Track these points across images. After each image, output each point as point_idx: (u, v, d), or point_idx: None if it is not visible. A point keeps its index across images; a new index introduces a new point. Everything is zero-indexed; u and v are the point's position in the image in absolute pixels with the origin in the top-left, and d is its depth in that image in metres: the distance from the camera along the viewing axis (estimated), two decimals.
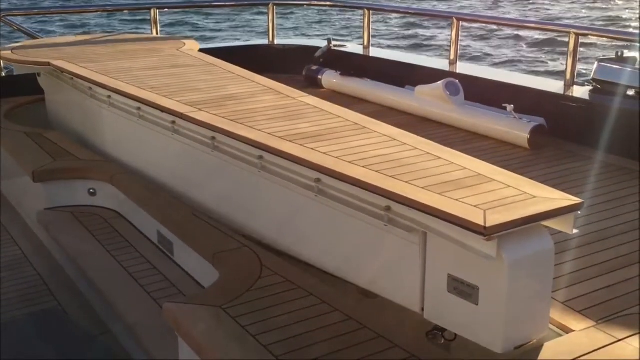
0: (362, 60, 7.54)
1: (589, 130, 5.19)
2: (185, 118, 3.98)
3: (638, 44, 5.79)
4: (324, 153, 3.24)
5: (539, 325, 2.65)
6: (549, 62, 19.14)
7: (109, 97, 4.85)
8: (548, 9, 30.06)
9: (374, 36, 8.05)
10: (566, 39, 5.90)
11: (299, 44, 8.73)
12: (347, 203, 3.03)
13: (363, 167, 3.03)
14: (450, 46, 6.97)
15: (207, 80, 4.87)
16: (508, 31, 22.52)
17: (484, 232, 2.38)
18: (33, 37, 7.78)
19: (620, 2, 30.93)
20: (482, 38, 22.41)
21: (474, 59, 19.23)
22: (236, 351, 2.63)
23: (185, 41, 6.66)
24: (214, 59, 5.66)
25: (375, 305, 3.05)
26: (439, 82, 5.94)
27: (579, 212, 2.63)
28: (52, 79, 5.94)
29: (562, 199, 2.65)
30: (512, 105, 5.35)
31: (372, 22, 7.85)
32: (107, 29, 23.37)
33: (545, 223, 2.59)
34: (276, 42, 8.29)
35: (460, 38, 7.00)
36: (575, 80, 5.82)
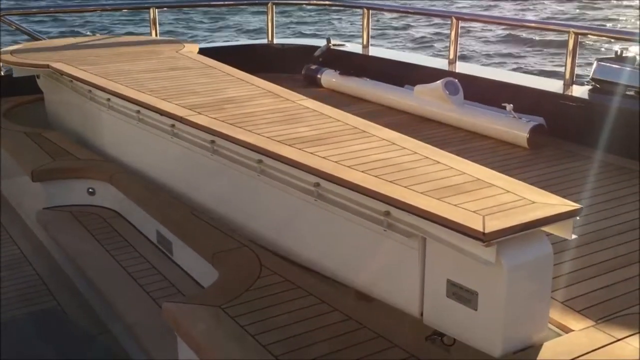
0: (362, 60, 7.54)
1: (588, 130, 5.19)
2: (185, 122, 3.98)
3: (638, 43, 5.78)
4: (323, 157, 3.24)
5: (538, 330, 2.65)
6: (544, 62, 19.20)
7: (108, 99, 4.85)
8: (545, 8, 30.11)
9: (372, 36, 8.05)
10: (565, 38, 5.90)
11: (298, 43, 8.73)
12: (346, 207, 3.04)
13: (362, 171, 3.03)
14: (449, 46, 6.97)
15: (206, 83, 4.87)
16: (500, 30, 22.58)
17: (483, 238, 2.39)
18: (33, 37, 7.78)
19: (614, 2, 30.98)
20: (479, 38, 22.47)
21: (472, 58, 19.27)
22: (235, 351, 2.63)
23: (184, 43, 6.66)
24: (213, 61, 5.66)
25: (375, 305, 3.05)
26: (438, 82, 5.93)
27: (578, 218, 2.63)
28: (52, 81, 5.94)
29: (561, 204, 2.66)
30: (512, 105, 5.35)
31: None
32: (103, 31, 23.34)
33: (544, 228, 2.60)
34: (275, 41, 8.29)
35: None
36: (574, 79, 5.82)
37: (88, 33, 21.16)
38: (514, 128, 5.31)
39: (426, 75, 6.37)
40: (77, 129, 5.68)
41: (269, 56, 8.03)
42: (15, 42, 8.14)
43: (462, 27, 7.04)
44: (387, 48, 14.97)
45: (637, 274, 3.29)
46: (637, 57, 5.51)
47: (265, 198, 3.61)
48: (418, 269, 2.78)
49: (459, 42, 6.94)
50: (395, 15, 24.18)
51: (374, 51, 7.79)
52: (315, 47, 7.80)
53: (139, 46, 6.49)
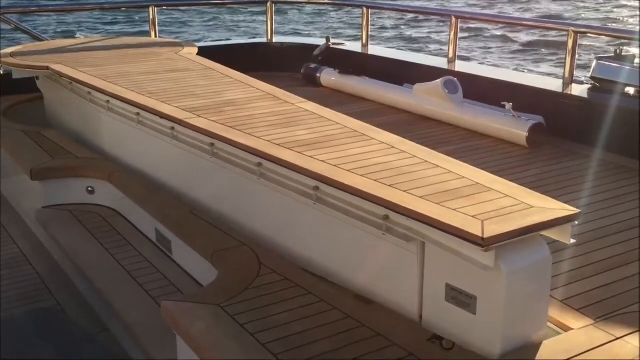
0: (361, 59, 7.54)
1: (587, 129, 5.19)
2: (184, 124, 3.98)
3: (638, 42, 5.78)
4: (322, 161, 3.24)
5: (537, 335, 2.65)
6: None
7: (108, 102, 4.85)
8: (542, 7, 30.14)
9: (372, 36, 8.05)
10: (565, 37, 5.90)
11: (297, 42, 8.73)
12: (346, 211, 3.04)
13: (361, 175, 3.04)
14: (448, 44, 6.96)
15: (206, 85, 4.87)
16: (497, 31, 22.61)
17: (482, 243, 2.39)
18: (32, 36, 7.77)
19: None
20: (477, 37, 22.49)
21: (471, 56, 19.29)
22: (234, 349, 2.63)
23: (183, 44, 6.65)
24: (213, 62, 5.66)
25: (374, 304, 3.05)
26: (437, 80, 5.93)
27: (576, 222, 2.63)
28: (51, 83, 5.93)
29: (559, 209, 2.66)
30: (511, 104, 5.35)
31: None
32: (100, 31, 23.33)
33: (543, 233, 2.61)
34: (275, 40, 8.28)
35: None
36: (574, 78, 5.81)
37: (78, 36, 21.06)
38: (514, 127, 5.31)
39: (425, 74, 6.37)
40: (76, 130, 5.67)
41: (269, 55, 8.03)
42: (15, 40, 8.12)
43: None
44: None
45: (636, 272, 3.30)
46: (637, 56, 5.51)
47: (265, 201, 3.62)
48: (417, 273, 2.79)
49: (458, 41, 6.94)
50: (391, 14, 24.20)
51: (373, 50, 7.79)
52: (315, 46, 7.80)
53: (138, 47, 6.49)
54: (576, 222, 2.63)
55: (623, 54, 5.53)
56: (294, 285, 3.10)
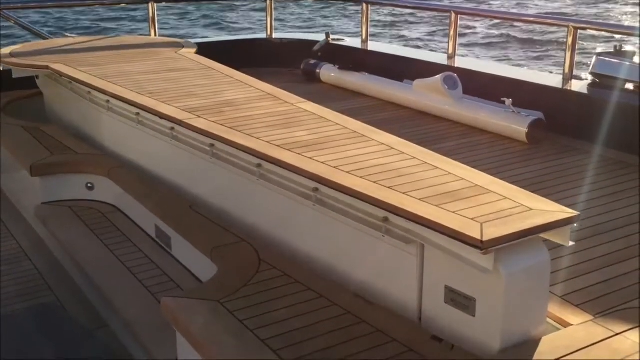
0: (361, 54, 7.53)
1: (587, 125, 5.19)
2: (184, 125, 3.98)
3: (638, 38, 5.78)
4: (322, 162, 3.24)
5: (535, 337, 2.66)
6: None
7: (108, 101, 4.84)
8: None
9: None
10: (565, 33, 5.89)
11: (297, 37, 8.72)
12: (345, 213, 3.04)
13: (361, 177, 3.04)
14: (448, 40, 6.96)
15: (205, 85, 4.87)
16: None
17: (481, 246, 2.40)
18: (32, 32, 7.76)
19: None
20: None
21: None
22: (234, 345, 2.63)
23: (183, 43, 6.64)
24: (212, 62, 5.65)
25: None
26: (437, 76, 5.93)
27: (575, 225, 2.63)
28: (51, 82, 5.93)
29: (558, 211, 2.66)
30: (511, 100, 5.34)
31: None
32: (97, 29, 23.29)
33: (542, 235, 2.61)
34: (274, 36, 8.28)
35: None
36: (574, 74, 5.81)
37: (72, 35, 20.98)
38: (513, 123, 5.30)
39: (425, 69, 6.37)
40: (76, 129, 5.66)
41: (268, 51, 8.02)
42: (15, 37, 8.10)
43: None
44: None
45: (636, 268, 3.30)
46: (636, 52, 5.51)
47: (265, 201, 3.62)
48: (416, 275, 2.79)
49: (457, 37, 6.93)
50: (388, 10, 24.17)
51: (373, 46, 7.78)
52: (315, 42, 7.79)
53: (138, 46, 6.48)
54: (575, 225, 2.63)
55: (623, 49, 5.53)
56: (294, 281, 3.10)
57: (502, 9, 25.78)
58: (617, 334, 2.60)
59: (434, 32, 23.02)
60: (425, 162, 3.23)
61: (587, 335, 2.61)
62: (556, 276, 3.13)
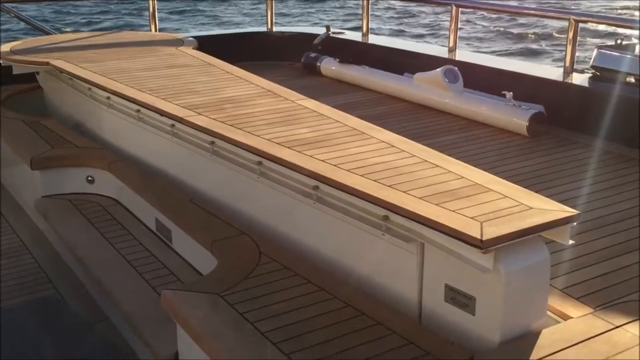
0: (361, 48, 7.51)
1: (588, 118, 5.18)
2: (185, 122, 3.98)
3: (638, 31, 5.76)
4: (322, 160, 3.24)
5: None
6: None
7: (108, 98, 4.84)
8: None
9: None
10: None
11: (297, 31, 8.70)
12: (346, 211, 3.05)
13: (361, 175, 3.04)
14: (449, 33, 6.94)
15: (206, 81, 4.87)
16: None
17: (481, 245, 2.40)
18: (32, 25, 7.74)
19: None
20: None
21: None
22: (234, 338, 2.63)
23: (183, 38, 6.63)
24: (212, 58, 5.64)
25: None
26: (437, 70, 5.92)
27: (575, 224, 2.63)
28: (51, 78, 5.92)
29: (558, 210, 2.66)
30: (511, 93, 5.33)
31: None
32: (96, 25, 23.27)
33: (541, 234, 2.61)
34: (274, 29, 8.26)
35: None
36: (574, 67, 5.80)
37: (67, 30, 20.98)
38: (514, 116, 5.30)
39: (426, 63, 6.36)
40: (77, 125, 5.65)
41: (269, 44, 8.00)
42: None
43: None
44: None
45: (636, 261, 3.30)
46: (637, 45, 5.50)
47: (265, 199, 3.62)
48: (416, 274, 2.80)
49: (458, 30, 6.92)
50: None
51: (373, 39, 7.76)
52: (315, 35, 7.77)
53: (139, 42, 6.47)
54: (575, 224, 2.63)
55: (624, 42, 5.52)
56: (294, 274, 3.10)
57: (503, 2, 25.69)
58: (616, 327, 2.60)
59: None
60: (426, 160, 3.23)
61: (587, 328, 2.61)
62: (557, 269, 3.13)
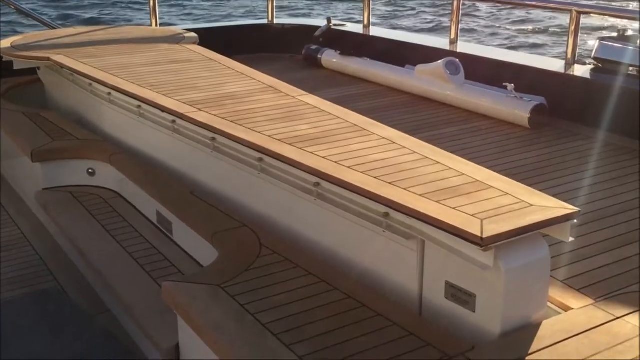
0: (362, 40, 7.50)
1: (589, 110, 5.17)
2: (185, 119, 3.98)
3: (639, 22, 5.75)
4: (323, 157, 3.24)
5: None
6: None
7: (109, 94, 4.83)
8: None
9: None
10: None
11: (298, 23, 8.69)
12: (346, 208, 3.05)
13: (362, 172, 3.04)
14: (450, 25, 6.92)
15: (206, 77, 4.86)
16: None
17: (481, 242, 2.40)
18: (32, 17, 7.73)
19: None
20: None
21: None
22: (235, 329, 2.63)
23: (184, 33, 6.61)
24: (213, 53, 5.63)
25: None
26: (439, 62, 5.91)
27: (575, 221, 2.63)
28: (52, 73, 5.91)
29: (558, 207, 2.66)
30: (513, 85, 5.32)
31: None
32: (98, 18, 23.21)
33: (542, 231, 2.61)
34: (275, 21, 8.24)
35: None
36: (576, 59, 5.78)
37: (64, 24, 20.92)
38: (515, 108, 5.29)
39: (427, 55, 6.34)
40: (78, 120, 5.65)
41: (269, 36, 7.99)
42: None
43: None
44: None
45: (636, 253, 3.30)
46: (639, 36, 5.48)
47: (266, 195, 3.63)
48: (417, 271, 2.80)
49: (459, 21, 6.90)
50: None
51: (374, 31, 7.75)
52: (316, 27, 7.76)
53: (139, 37, 6.45)
54: (575, 221, 2.63)
55: (626, 34, 5.51)
56: (295, 266, 3.10)
57: None
58: (617, 318, 2.60)
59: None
60: (426, 157, 3.23)
61: (587, 319, 2.61)
62: (558, 260, 3.13)
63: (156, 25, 7.60)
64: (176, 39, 6.31)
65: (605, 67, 5.45)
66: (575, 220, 2.63)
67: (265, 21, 8.28)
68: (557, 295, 2.90)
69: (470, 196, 2.77)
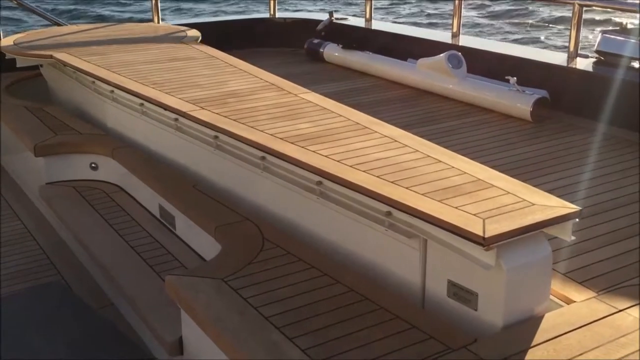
0: (364, 33, 7.49)
1: (592, 103, 5.17)
2: (188, 117, 3.98)
3: None
4: (325, 156, 3.25)
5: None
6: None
7: (112, 92, 4.84)
8: None
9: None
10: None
11: (300, 17, 8.68)
12: (349, 207, 3.05)
13: (364, 171, 3.04)
14: (452, 18, 6.91)
15: (209, 75, 4.86)
16: None
17: (483, 242, 2.41)
18: (35, 12, 7.73)
19: None
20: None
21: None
22: (238, 323, 2.64)
23: (186, 30, 6.61)
24: (215, 50, 5.63)
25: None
26: (441, 55, 5.90)
27: (577, 220, 2.64)
28: (55, 71, 5.91)
29: (560, 206, 2.67)
30: (515, 78, 5.32)
31: None
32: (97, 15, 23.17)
33: (544, 230, 2.62)
34: (277, 15, 8.24)
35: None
36: (578, 52, 5.78)
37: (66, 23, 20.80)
38: (518, 101, 5.28)
39: (429, 48, 6.34)
40: (81, 117, 5.65)
41: (271, 30, 7.98)
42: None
43: None
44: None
45: (638, 246, 3.30)
46: None
47: (268, 194, 3.63)
48: (419, 269, 2.81)
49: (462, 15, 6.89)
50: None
51: (376, 25, 7.74)
52: (318, 21, 7.75)
53: (142, 35, 6.45)
54: (577, 220, 2.64)
55: (628, 27, 5.50)
56: (297, 260, 3.11)
57: None
58: (619, 311, 2.61)
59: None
60: (428, 155, 3.23)
61: (589, 312, 2.62)
62: (559, 254, 3.14)
63: (159, 22, 7.60)
64: (179, 36, 6.30)
65: (607, 60, 5.44)
66: (577, 219, 2.64)
67: (267, 15, 8.27)
68: (559, 288, 2.90)
69: (472, 195, 2.78)
